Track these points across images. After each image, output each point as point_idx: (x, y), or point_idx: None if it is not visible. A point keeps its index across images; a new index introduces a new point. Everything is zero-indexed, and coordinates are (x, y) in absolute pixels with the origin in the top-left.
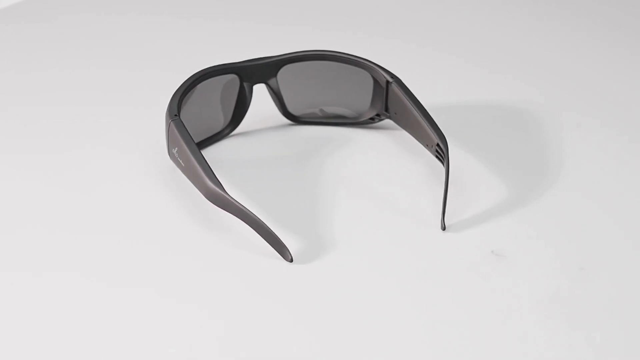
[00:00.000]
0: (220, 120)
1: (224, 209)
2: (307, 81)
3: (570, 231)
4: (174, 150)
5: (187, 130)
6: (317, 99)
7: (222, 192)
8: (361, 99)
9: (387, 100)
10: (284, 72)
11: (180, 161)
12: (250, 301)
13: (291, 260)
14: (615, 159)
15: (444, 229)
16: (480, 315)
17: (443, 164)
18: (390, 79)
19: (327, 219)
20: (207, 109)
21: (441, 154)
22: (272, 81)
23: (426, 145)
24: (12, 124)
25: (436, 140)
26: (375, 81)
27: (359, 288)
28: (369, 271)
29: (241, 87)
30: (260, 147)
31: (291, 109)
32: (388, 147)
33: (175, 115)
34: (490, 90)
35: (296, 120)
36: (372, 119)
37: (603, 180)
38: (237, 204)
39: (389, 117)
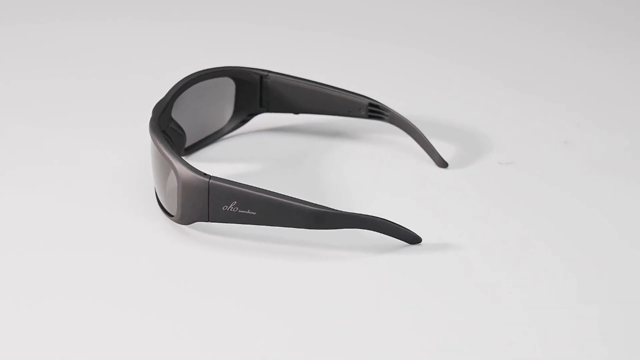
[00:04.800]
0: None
1: (329, 228)
2: (184, 115)
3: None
4: (229, 207)
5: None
6: (196, 125)
7: (328, 209)
8: (228, 105)
9: (262, 96)
10: (174, 113)
11: (248, 211)
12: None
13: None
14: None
15: (447, 164)
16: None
17: (384, 119)
18: (264, 74)
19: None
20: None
21: (378, 110)
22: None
23: (349, 113)
24: None
25: (365, 101)
26: (241, 83)
27: (359, 292)
28: (369, 275)
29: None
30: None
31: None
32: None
33: (205, 174)
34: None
35: (191, 150)
36: (243, 121)
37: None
38: (349, 213)
39: (268, 111)
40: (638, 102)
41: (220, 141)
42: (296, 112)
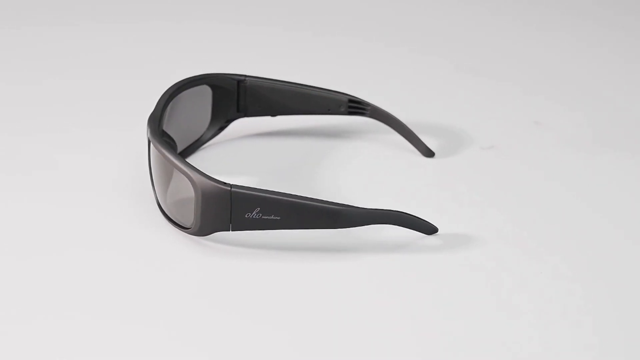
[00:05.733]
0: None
1: (353, 226)
2: (168, 127)
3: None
4: (253, 214)
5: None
6: (179, 136)
7: (351, 207)
8: (205, 113)
9: (240, 101)
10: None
11: (272, 216)
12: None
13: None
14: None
15: (433, 153)
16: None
17: (365, 115)
18: (240, 79)
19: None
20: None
21: (358, 106)
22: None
23: (329, 111)
24: None
25: (344, 97)
26: (218, 89)
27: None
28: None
29: None
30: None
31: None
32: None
33: (225, 183)
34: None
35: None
36: (221, 128)
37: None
38: (373, 209)
39: (246, 116)
40: (595, 81)
41: (200, 151)
42: (274, 115)
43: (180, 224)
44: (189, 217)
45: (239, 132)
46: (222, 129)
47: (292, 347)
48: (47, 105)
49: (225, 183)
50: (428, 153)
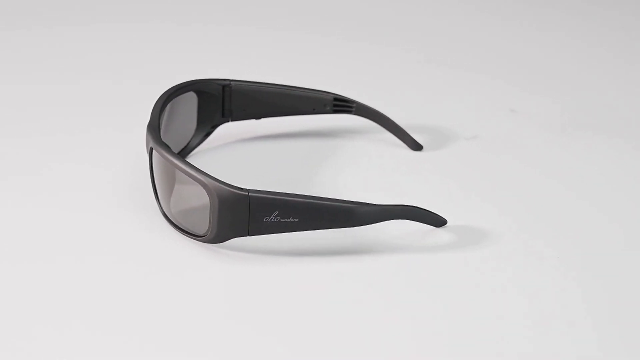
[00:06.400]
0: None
1: (370, 223)
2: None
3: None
4: (271, 217)
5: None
6: (171, 140)
7: (367, 204)
8: (192, 120)
9: (225, 105)
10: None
11: (290, 218)
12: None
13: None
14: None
15: (421, 147)
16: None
17: (351, 112)
18: (226, 83)
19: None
20: None
21: (344, 104)
22: None
23: (314, 110)
24: None
25: (329, 96)
26: (204, 95)
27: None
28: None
29: None
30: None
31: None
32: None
33: (241, 188)
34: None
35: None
36: (207, 134)
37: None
38: (389, 205)
39: (232, 120)
40: (567, 68)
41: (187, 158)
42: (258, 118)
43: (192, 232)
44: (201, 224)
45: (224, 138)
46: (208, 135)
47: (291, 347)
48: (40, 107)
49: (241, 188)
50: (416, 147)
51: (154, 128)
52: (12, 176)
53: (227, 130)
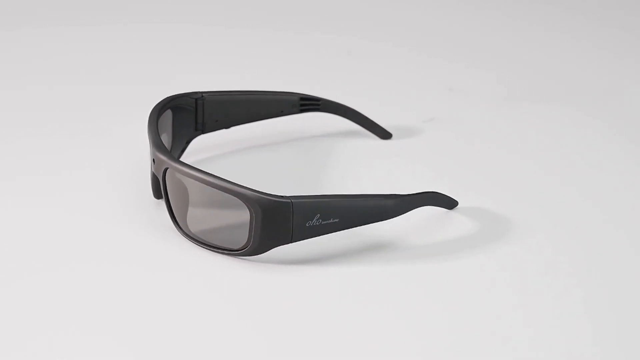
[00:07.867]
0: None
1: (402, 213)
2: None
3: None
4: (313, 221)
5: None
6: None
7: (400, 195)
8: (168, 137)
9: (197, 119)
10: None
11: (331, 220)
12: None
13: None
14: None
15: (391, 135)
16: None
17: (318, 109)
18: (198, 96)
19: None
20: None
21: (310, 102)
22: None
23: (282, 112)
24: None
25: (295, 96)
26: (178, 110)
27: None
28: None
29: None
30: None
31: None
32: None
33: (282, 196)
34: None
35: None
36: (182, 150)
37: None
38: (417, 194)
39: (203, 132)
40: (498, 41)
41: None
42: (228, 127)
43: (224, 248)
44: (236, 238)
45: (198, 151)
46: (183, 151)
47: (293, 347)
48: (40, 107)
49: (283, 196)
50: (385, 135)
51: (164, 148)
52: (12, 177)
53: (199, 143)
